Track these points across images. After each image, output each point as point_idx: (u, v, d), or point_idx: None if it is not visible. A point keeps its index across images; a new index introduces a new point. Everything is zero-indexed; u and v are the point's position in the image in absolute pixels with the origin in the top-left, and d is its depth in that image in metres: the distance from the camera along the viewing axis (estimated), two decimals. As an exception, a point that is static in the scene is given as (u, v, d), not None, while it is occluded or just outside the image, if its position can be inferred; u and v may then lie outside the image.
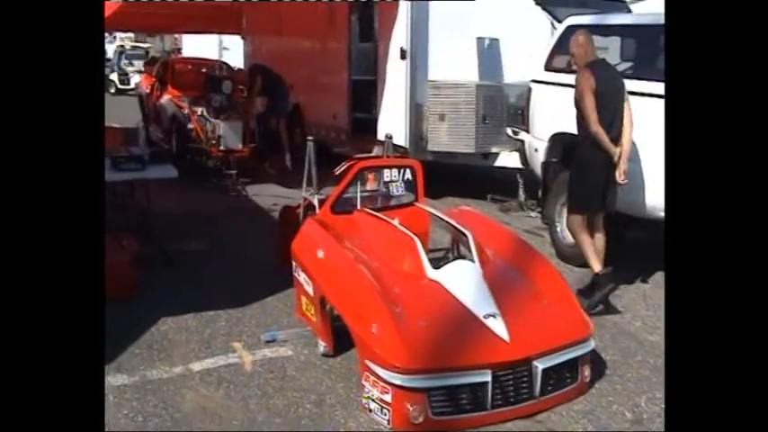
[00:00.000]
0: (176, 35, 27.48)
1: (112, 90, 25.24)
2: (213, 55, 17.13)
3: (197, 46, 20.44)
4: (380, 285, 3.56)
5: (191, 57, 13.84)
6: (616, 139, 4.77)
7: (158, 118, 10.67)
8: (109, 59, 27.29)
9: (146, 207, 5.94)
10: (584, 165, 4.91)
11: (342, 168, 4.94)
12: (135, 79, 24.12)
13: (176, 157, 8.42)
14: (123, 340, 4.22)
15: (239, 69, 11.21)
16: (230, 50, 17.41)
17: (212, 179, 8.85)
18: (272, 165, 9.73)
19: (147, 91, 11.90)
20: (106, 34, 24.60)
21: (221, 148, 8.83)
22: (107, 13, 10.38)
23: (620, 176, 4.78)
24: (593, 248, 4.85)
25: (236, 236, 6.66)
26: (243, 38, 13.84)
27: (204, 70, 10.76)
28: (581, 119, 4.79)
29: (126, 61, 26.55)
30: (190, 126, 9.39)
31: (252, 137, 9.40)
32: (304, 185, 5.19)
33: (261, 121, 9.85)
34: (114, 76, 25.83)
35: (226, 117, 8.98)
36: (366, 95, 9.27)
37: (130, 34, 27.86)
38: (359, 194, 4.69)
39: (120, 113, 14.15)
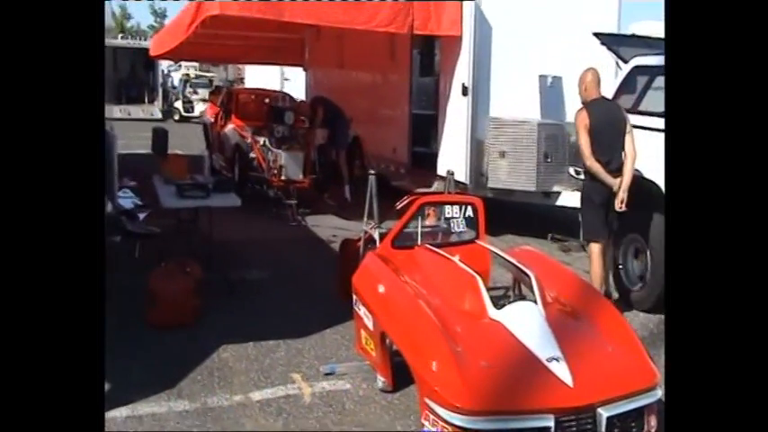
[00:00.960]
0: (240, 65, 28.33)
1: (176, 117, 26.05)
2: (275, 85, 17.56)
3: (259, 76, 20.99)
4: (441, 323, 3.55)
5: (254, 87, 14.16)
6: (617, 171, 5.26)
7: (222, 147, 10.96)
8: (174, 87, 28.26)
9: (209, 234, 6.08)
10: (586, 198, 5.45)
11: (403, 203, 4.98)
12: (199, 107, 24.91)
13: (238, 186, 8.61)
14: (185, 366, 4.33)
15: (301, 101, 11.39)
16: (291, 81, 17.80)
17: (272, 208, 9.01)
18: (332, 196, 9.88)
19: (212, 120, 12.22)
20: (171, 62, 25.57)
21: (282, 177, 9.01)
22: (174, 42, 10.85)
23: (618, 205, 5.24)
24: (602, 275, 5.34)
25: (296, 266, 6.76)
26: (305, 69, 14.10)
27: (267, 101, 11.03)
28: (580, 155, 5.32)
29: (190, 89, 27.38)
30: (252, 155, 9.60)
31: (312, 168, 9.56)
32: (365, 219, 5.24)
33: (321, 153, 10.01)
34: (179, 104, 26.67)
35: (287, 147, 9.17)
36: (426, 130, 9.30)
37: (195, 63, 28.63)
38: (420, 230, 4.70)
39: (183, 141, 14.61)
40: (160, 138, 6.90)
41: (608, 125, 5.29)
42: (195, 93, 26.97)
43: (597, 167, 5.26)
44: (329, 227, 8.37)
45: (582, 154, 5.29)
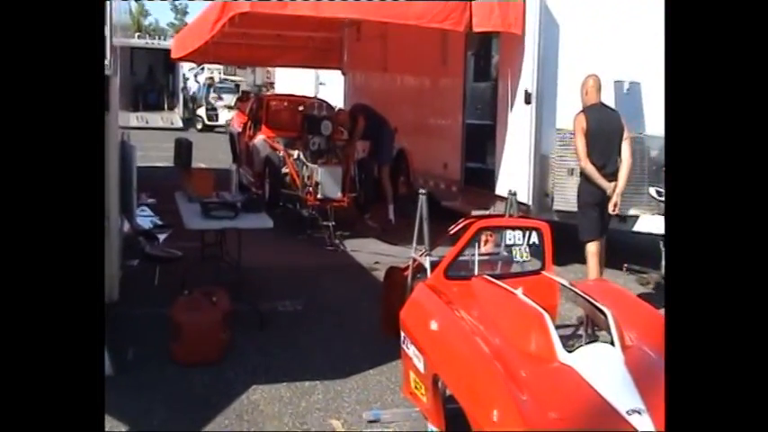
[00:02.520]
0: (269, 68, 28.79)
1: (199, 126, 26.51)
2: (309, 91, 17.81)
3: (291, 80, 21.31)
4: (504, 366, 3.49)
5: (286, 93, 14.36)
6: (612, 175, 6.27)
7: (250, 160, 11.14)
8: (196, 93, 28.75)
9: (237, 259, 6.16)
10: (581, 199, 6.42)
11: (458, 227, 4.96)
12: (223, 115, 25.33)
13: (268, 205, 8.62)
14: (211, 408, 4.39)
15: (339, 109, 11.50)
16: (326, 86, 18.03)
17: (307, 230, 9.10)
18: (374, 217, 9.95)
19: (239, 130, 12.45)
20: (193, 65, 26.09)
21: (318, 196, 9.03)
22: (197, 43, 11.07)
23: (611, 208, 6.29)
24: (598, 273, 6.22)
25: (333, 297, 6.80)
26: (343, 73, 14.29)
27: (301, 109, 11.15)
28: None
29: (214, 95, 27.82)
30: (284, 170, 9.74)
31: (352, 185, 9.64)
32: (414, 244, 5.24)
33: (362, 168, 10.12)
34: (202, 111, 27.14)
35: (324, 162, 9.21)
36: (481, 143, 9.31)
37: (220, 66, 29.12)
38: (476, 258, 4.68)
39: (207, 153, 14.89)
40: (184, 150, 7.03)
41: (605, 131, 6.28)
42: (220, 99, 27.41)
43: (591, 170, 6.24)
44: (371, 252, 8.44)
45: (578, 155, 6.34)
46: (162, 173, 11.90)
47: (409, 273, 5.24)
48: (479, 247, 4.79)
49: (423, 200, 5.24)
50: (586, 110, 6.36)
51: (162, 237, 8.66)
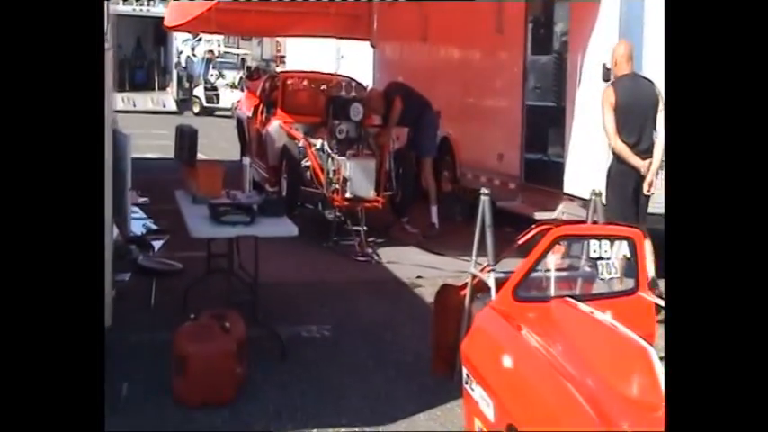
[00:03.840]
0: (278, 39, 28.81)
1: (196, 109, 26.63)
2: (328, 66, 17.73)
3: (305, 53, 21.28)
4: (600, 416, 3.36)
5: (306, 70, 14.30)
6: (646, 151, 6.61)
7: (262, 150, 11.10)
8: (185, 68, 28.70)
9: (253, 274, 6.09)
10: (612, 179, 6.73)
11: (528, 236, 4.88)
12: (225, 96, 25.39)
13: (286, 203, 8.59)
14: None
15: (371, 89, 11.45)
16: (346, 59, 17.97)
17: (333, 237, 9.06)
18: (413, 221, 9.90)
19: (249, 114, 12.40)
20: (189, 36, 26.18)
21: (347, 195, 8.96)
22: (196, 9, 11.02)
23: (645, 188, 6.61)
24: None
25: (369, 320, 6.75)
26: (372, 45, 14.29)
27: (325, 88, 11.06)
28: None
29: (214, 72, 27.95)
30: (305, 163, 9.66)
31: (387, 181, 9.59)
32: (473, 257, 5.14)
33: (399, 161, 10.02)
34: (199, 91, 27.24)
35: (354, 153, 9.12)
36: (544, 129, 9.36)
37: (220, 36, 29.20)
38: (553, 275, 4.57)
39: (207, 142, 14.85)
40: (187, 140, 6.95)
41: (636, 103, 6.64)
42: (221, 76, 27.69)
43: (622, 148, 6.61)
44: (412, 264, 8.40)
45: (606, 134, 6.69)
46: (155, 166, 11.93)
47: (467, 293, 5.12)
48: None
49: (485, 202, 5.19)
50: (616, 82, 6.77)
51: (157, 244, 8.62)
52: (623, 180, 6.69)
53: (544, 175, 9.14)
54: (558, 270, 4.65)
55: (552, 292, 4.53)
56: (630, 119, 6.63)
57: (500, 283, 4.64)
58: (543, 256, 4.53)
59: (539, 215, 8.49)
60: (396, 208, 9.96)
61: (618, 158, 6.70)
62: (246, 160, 7.10)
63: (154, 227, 9.30)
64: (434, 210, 9.84)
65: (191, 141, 6.89)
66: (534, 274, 4.57)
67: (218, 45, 30.89)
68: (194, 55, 29.50)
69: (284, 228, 5.98)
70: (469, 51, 11.04)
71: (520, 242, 4.95)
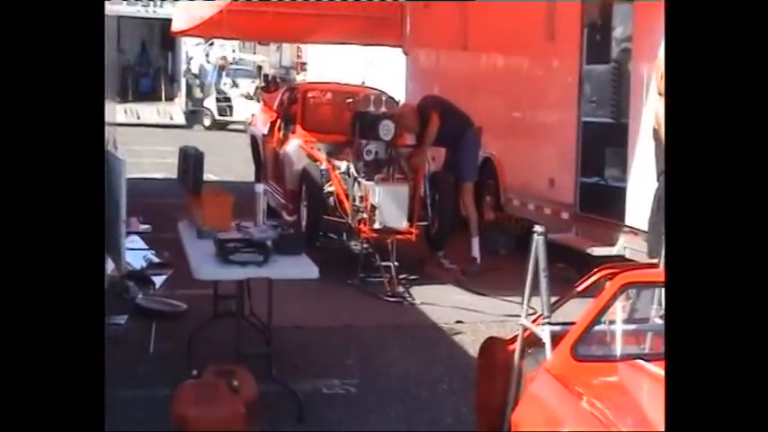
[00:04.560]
0: (299, 45, 28.94)
1: (207, 122, 26.73)
2: (354, 76, 17.74)
3: (329, 61, 21.32)
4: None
5: (329, 82, 14.30)
6: None
7: (280, 173, 11.03)
8: (196, 76, 28.83)
9: (266, 321, 6.05)
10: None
11: (588, 281, 4.85)
12: (239, 107, 25.42)
13: (306, 234, 8.77)
14: None
15: (405, 104, 11.35)
16: (374, 68, 17.97)
17: (359, 273, 8.95)
18: (452, 254, 9.79)
19: (264, 131, 12.35)
20: (200, 40, 26.31)
21: (375, 225, 8.86)
22: (207, 12, 10.99)
23: None
24: None
25: (400, 373, 6.69)
26: (405, 53, 14.31)
27: (351, 102, 10.88)
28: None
29: (228, 80, 28.06)
30: (328, 188, 9.57)
31: (422, 209, 9.49)
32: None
33: (435, 186, 9.90)
34: (211, 102, 27.33)
35: (383, 178, 9.06)
36: (601, 149, 9.33)
37: (234, 41, 29.39)
38: (619, 328, 4.47)
39: (218, 160, 14.84)
40: (191, 163, 6.90)
41: None
42: (235, 86, 27.82)
43: None
44: (450, 305, 8.32)
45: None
46: (158, 187, 11.90)
47: (517, 347, 4.96)
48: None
49: (539, 243, 4.95)
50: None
51: (159, 280, 8.55)
52: None
53: (602, 202, 9.12)
54: (624, 323, 4.58)
55: (618, 349, 4.44)
56: None
57: (556, 338, 4.55)
58: (607, 306, 4.46)
59: (596, 250, 8.50)
60: (431, 240, 9.86)
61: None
62: (260, 187, 6.98)
63: (155, 259, 9.23)
64: (476, 242, 9.78)
65: (196, 165, 6.82)
66: (597, 327, 4.48)
67: (233, 51, 31.11)
68: (208, 61, 29.54)
69: (303, 269, 5.88)
70: (516, 60, 11.01)
71: (579, 289, 4.92)
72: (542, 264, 4.89)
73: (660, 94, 6.53)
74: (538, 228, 5.09)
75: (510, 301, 7.56)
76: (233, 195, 6.83)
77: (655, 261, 5.86)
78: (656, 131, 6.69)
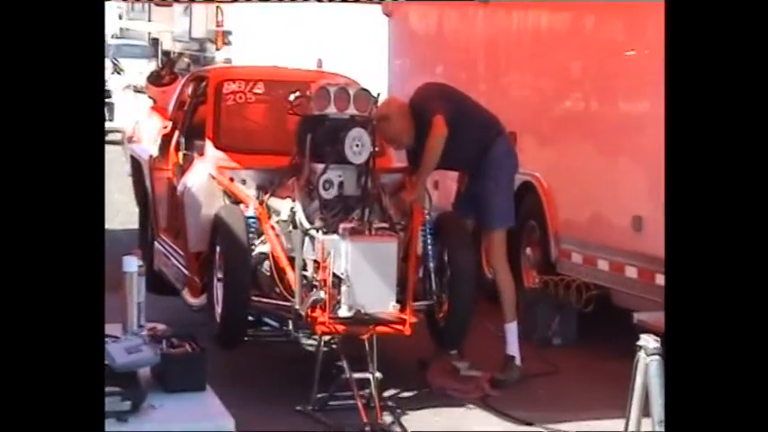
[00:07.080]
0: (219, 4, 28.50)
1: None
2: (305, 52, 17.19)
3: (263, 27, 20.79)
4: None
5: (262, 66, 13.61)
6: None
7: (177, 223, 10.52)
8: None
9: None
10: None
11: None
12: (122, 107, 24.85)
13: (222, 328, 8.78)
14: None
15: (386, 98, 10.79)
16: (336, 37, 17.70)
17: (315, 393, 8.54)
18: (472, 353, 9.51)
19: (153, 151, 11.90)
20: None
21: (342, 312, 8.33)
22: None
23: None
24: None
25: None
26: (387, 12, 14.51)
27: (297, 98, 10.10)
28: None
29: (107, 63, 27.86)
30: (260, 248, 9.02)
31: (422, 280, 9.23)
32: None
33: (442, 237, 9.44)
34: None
35: (355, 228, 8.62)
36: None
37: (122, 1, 29.11)
38: None
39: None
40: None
41: None
42: (117, 71, 27.84)
43: None
44: None
45: None
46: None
47: None
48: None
49: (653, 368, 5.32)
50: None
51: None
52: None
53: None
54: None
55: None
56: None
57: None
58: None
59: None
60: (438, 331, 9.46)
61: None
62: (133, 263, 6.11)
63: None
64: (512, 329, 9.49)
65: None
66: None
67: (119, 18, 30.79)
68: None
69: (206, 421, 5.31)
70: (575, 17, 10.80)
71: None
72: (657, 389, 5.34)
73: None
74: (647, 340, 5.46)
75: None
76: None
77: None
78: None
